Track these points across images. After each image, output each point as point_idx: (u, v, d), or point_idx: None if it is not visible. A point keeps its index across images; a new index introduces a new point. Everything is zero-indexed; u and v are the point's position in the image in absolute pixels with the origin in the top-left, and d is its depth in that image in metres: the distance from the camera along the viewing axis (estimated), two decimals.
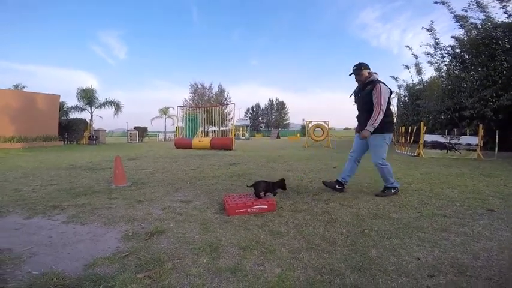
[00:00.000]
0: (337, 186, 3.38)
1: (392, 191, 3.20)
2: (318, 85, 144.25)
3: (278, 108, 61.70)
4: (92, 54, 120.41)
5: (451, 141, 7.74)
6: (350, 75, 3.21)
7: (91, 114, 19.82)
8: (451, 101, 11.02)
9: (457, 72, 11.33)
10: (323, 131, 14.11)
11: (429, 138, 8.09)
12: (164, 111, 31.63)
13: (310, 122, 14.69)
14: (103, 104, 20.02)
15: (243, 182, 4.10)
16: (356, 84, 3.30)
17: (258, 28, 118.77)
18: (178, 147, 11.56)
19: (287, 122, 61.81)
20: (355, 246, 1.82)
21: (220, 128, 16.25)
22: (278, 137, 32.77)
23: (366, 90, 3.07)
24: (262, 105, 63.06)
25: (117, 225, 2.28)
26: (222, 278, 1.46)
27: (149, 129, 29.23)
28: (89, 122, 18.86)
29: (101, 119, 20.73)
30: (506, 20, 8.78)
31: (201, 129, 14.32)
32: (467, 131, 8.54)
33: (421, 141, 7.94)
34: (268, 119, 61.87)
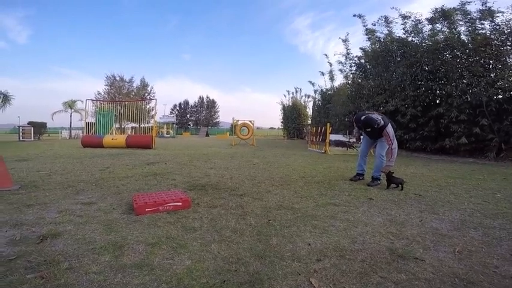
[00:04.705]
0: (360, 178, 4.30)
1: (378, 182, 3.97)
2: (249, 85, 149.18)
3: (208, 106, 60.68)
4: None
5: (350, 140, 9.28)
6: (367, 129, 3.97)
7: None
8: (353, 105, 12.99)
9: (359, 80, 13.10)
10: (249, 130, 14.70)
11: (333, 137, 9.53)
12: (70, 105, 26.92)
13: (238, 120, 15.10)
14: None
15: (159, 181, 3.95)
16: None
17: (195, 22, 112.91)
18: (86, 146, 10.14)
19: (217, 120, 61.44)
20: (260, 236, 2.00)
21: (141, 125, 14.94)
22: (207, 135, 32.37)
23: (377, 129, 3.83)
24: (192, 102, 61.01)
25: None
26: (126, 274, 1.44)
27: (50, 125, 24.50)
28: None
29: None
30: (402, 36, 10.34)
31: (116, 125, 12.86)
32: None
33: (327, 140, 9.27)
34: (198, 116, 60.20)
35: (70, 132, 24.94)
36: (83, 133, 14.40)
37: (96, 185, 3.58)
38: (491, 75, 8.00)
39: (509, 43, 7.74)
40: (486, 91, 7.68)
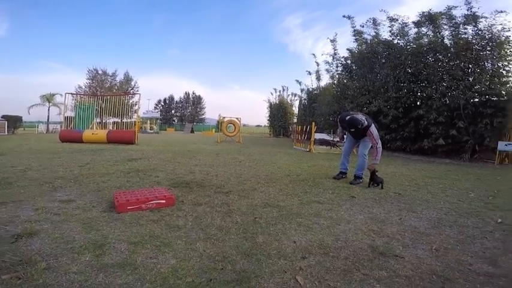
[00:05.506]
0: (343, 176, 4.39)
1: (360, 180, 4.05)
2: (237, 82, 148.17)
3: (194, 102, 59.85)
4: None
5: (333, 139, 9.46)
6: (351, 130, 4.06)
7: None
8: (338, 105, 13.20)
9: (345, 81, 13.31)
10: (235, 127, 14.62)
11: (318, 136, 9.69)
12: (48, 98, 25.58)
13: (224, 117, 14.96)
14: None
15: (142, 178, 3.85)
16: None
17: (185, 16, 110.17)
18: (65, 140, 9.71)
19: (203, 116, 60.76)
20: (246, 234, 1.99)
21: (123, 120, 14.48)
22: (192, 131, 31.90)
23: (360, 129, 3.94)
24: (177, 98, 59.92)
25: None
26: (108, 273, 1.39)
27: (26, 119, 23.26)
28: None
29: None
30: (389, 38, 10.56)
31: (97, 120, 12.40)
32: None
33: (312, 139, 9.41)
34: (183, 112, 59.28)
35: (47, 126, 23.80)
36: (61, 127, 13.78)
37: (75, 182, 3.44)
38: (470, 79, 8.36)
39: (489, 48, 8.10)
40: (464, 94, 8.03)
